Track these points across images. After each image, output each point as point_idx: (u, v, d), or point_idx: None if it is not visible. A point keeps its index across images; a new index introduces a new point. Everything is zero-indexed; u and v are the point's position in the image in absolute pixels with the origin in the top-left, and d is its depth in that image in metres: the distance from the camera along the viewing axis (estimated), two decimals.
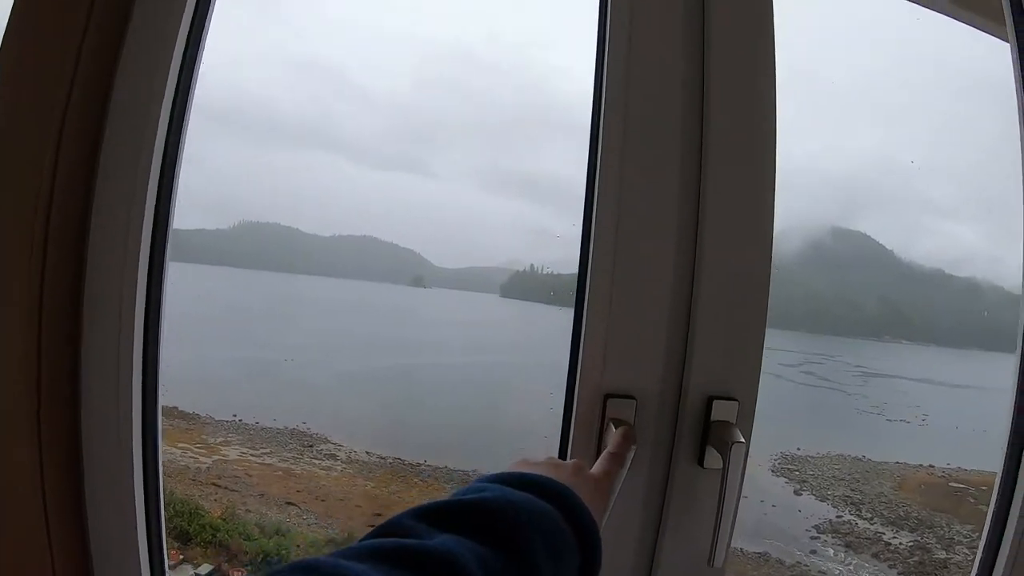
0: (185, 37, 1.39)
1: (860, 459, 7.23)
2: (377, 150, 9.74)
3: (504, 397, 8.47)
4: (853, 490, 6.98)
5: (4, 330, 1.25)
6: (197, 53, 1.43)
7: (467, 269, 9.26)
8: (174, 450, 7.14)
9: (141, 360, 1.39)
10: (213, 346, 8.72)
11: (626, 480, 1.08)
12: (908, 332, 7.75)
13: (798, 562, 6.06)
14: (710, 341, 1.23)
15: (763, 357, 1.25)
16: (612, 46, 1.26)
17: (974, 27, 1.82)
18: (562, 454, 1.29)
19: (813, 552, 6.19)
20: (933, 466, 7.12)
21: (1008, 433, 1.54)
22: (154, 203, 1.39)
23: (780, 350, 7.43)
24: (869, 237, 7.78)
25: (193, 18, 1.40)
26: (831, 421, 7.67)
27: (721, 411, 1.22)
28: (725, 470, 1.13)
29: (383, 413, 8.20)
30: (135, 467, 1.38)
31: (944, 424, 7.65)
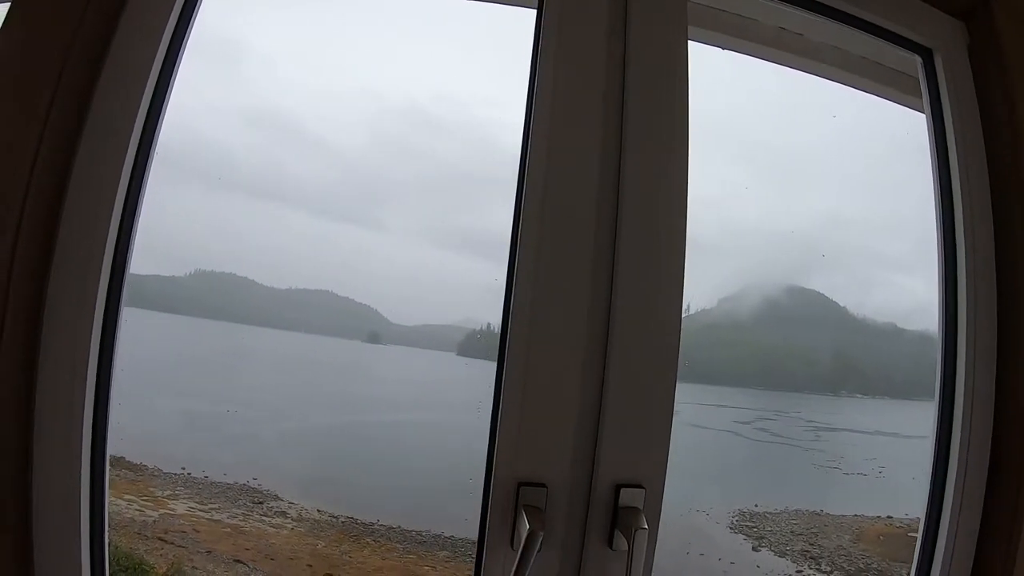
0: (153, 85, 1.53)
1: (818, 513, 7.31)
2: (333, 204, 9.79)
3: (459, 456, 8.47)
4: (812, 544, 7.06)
5: None
6: (163, 102, 1.57)
7: (424, 326, 9.25)
8: (120, 502, 7.03)
9: (92, 407, 1.51)
10: (163, 396, 8.61)
11: (540, 561, 1.17)
12: (862, 385, 7.91)
13: None
14: (618, 431, 1.34)
15: (670, 444, 1.37)
16: (536, 118, 1.41)
17: (898, 103, 1.99)
18: (480, 537, 1.38)
19: None
20: (891, 517, 7.22)
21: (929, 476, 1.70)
22: (113, 249, 1.50)
23: (735, 407, 7.56)
24: (822, 294, 7.97)
25: (162, 67, 1.55)
26: (788, 476, 7.77)
27: (628, 498, 1.32)
28: (630, 554, 1.23)
29: (336, 471, 8.14)
30: (82, 519, 1.46)
31: (901, 475, 7.78)
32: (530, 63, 1.49)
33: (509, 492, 1.33)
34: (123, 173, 1.49)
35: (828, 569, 6.80)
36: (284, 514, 7.28)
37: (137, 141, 1.52)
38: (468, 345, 8.96)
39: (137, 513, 6.98)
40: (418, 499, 7.71)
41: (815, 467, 7.63)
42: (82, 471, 1.46)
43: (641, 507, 1.33)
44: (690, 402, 7.34)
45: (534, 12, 1.61)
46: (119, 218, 1.51)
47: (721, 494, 6.72)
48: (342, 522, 7.20)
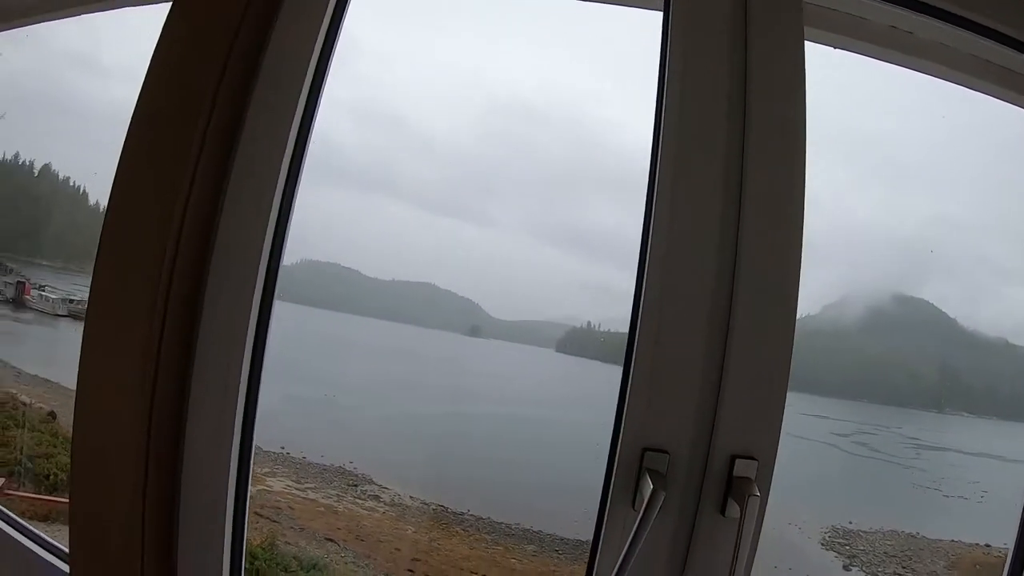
0: (309, 84, 1.66)
1: (914, 535, 7.11)
2: (438, 198, 9.96)
3: (552, 452, 8.51)
4: (904, 567, 6.88)
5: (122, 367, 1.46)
6: (315, 107, 1.70)
7: (524, 322, 9.40)
8: None
9: (244, 396, 1.66)
10: (267, 378, 8.91)
11: (657, 524, 1.31)
12: (968, 403, 7.62)
13: None
14: (736, 405, 1.44)
15: (783, 420, 1.48)
16: (666, 124, 1.51)
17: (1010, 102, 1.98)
18: (603, 498, 1.51)
19: None
20: (990, 545, 6.97)
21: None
22: (269, 247, 1.65)
23: (834, 419, 7.40)
24: (931, 304, 7.72)
25: (316, 67, 1.68)
26: (885, 495, 7.55)
27: (742, 468, 1.43)
28: (742, 520, 1.33)
29: (431, 459, 8.27)
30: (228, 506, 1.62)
31: (1003, 501, 7.46)
32: (658, 67, 1.58)
33: (634, 456, 1.45)
34: (281, 173, 1.64)
35: None
36: (377, 498, 7.47)
37: (294, 142, 1.66)
38: (567, 342, 9.01)
39: None
40: (510, 493, 7.80)
41: (914, 487, 7.41)
42: (231, 464, 1.62)
43: (753, 478, 1.42)
44: (788, 410, 7.14)
45: (640, 11, 1.70)
46: (276, 216, 1.65)
47: (815, 508, 6.61)
48: (433, 510, 7.35)
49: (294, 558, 6.46)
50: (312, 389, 8.69)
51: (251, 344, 1.65)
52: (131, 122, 1.53)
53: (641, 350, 1.46)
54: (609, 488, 1.48)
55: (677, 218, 1.47)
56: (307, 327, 9.51)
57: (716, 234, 1.47)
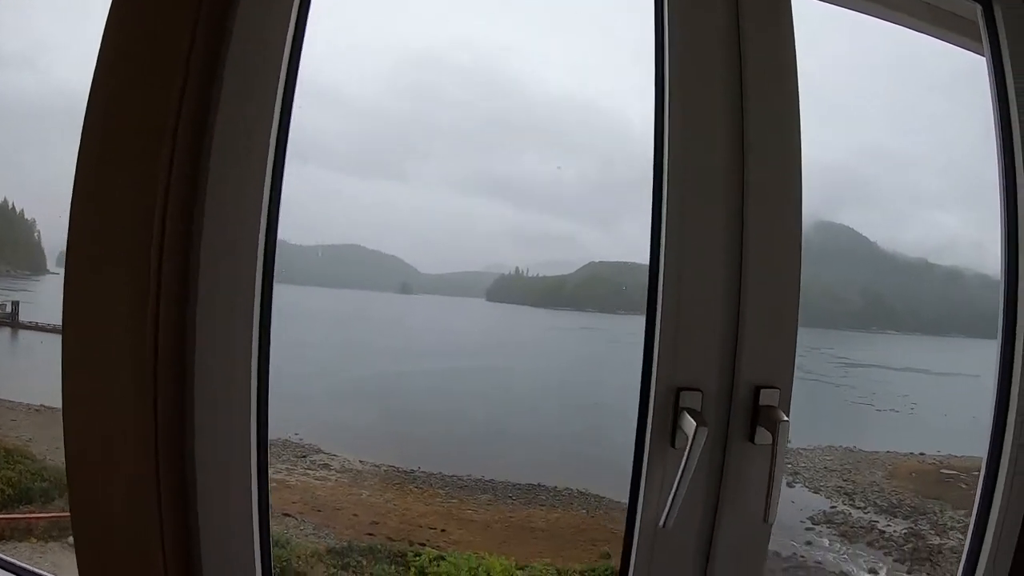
0: (287, 61, 1.60)
1: (851, 449, 7.44)
2: (355, 158, 9.82)
3: (494, 401, 8.58)
4: (845, 480, 7.19)
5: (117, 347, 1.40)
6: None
7: (452, 274, 9.39)
8: None
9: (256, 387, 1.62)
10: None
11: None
12: (893, 322, 7.95)
13: (794, 553, 6.24)
14: (755, 339, 1.53)
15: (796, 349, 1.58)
16: (671, 86, 1.56)
17: (950, 43, 2.05)
18: (639, 441, 1.58)
19: (809, 543, 6.38)
20: (924, 454, 7.34)
21: (992, 418, 1.81)
22: (265, 229, 1.58)
23: None
24: (852, 229, 7.98)
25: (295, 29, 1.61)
26: (821, 413, 7.86)
27: (766, 397, 1.52)
28: (775, 444, 1.45)
29: (375, 421, 8.28)
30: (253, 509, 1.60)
31: (933, 412, 7.86)
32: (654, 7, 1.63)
33: (669, 398, 1.53)
34: (266, 150, 1.57)
35: (862, 505, 6.94)
36: (327, 466, 7.46)
37: (278, 117, 1.59)
38: (496, 290, 9.06)
39: None
40: (458, 445, 7.87)
41: (847, 403, 7.73)
42: (251, 460, 1.59)
43: (776, 405, 1.53)
44: None
45: None
46: (268, 195, 1.57)
47: None
48: (384, 471, 7.39)
49: None
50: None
51: (257, 332, 1.59)
52: (88, 112, 1.43)
53: (667, 295, 1.53)
54: (646, 430, 1.55)
55: (689, 169, 1.54)
56: None
57: (722, 176, 1.53)
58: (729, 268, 1.53)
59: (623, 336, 8.16)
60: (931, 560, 6.38)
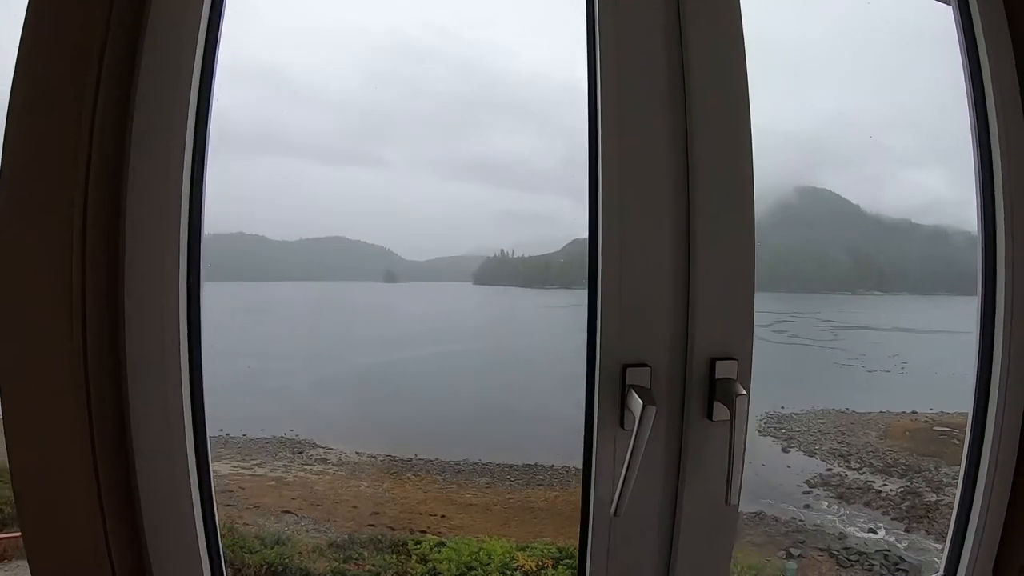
0: (202, 50, 1.51)
1: (844, 411, 7.44)
2: (332, 149, 9.77)
3: (486, 384, 8.59)
4: (840, 442, 7.20)
5: (49, 363, 1.35)
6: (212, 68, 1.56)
7: (437, 260, 9.30)
8: None
9: (188, 380, 1.56)
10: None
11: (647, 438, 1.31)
12: (879, 283, 7.94)
13: (793, 518, 6.24)
14: (708, 308, 1.44)
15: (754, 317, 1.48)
16: (602, 39, 1.46)
17: None
18: (588, 422, 1.49)
19: (807, 507, 6.39)
20: (916, 412, 7.35)
21: (975, 372, 1.79)
22: (187, 225, 1.50)
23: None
24: (834, 193, 7.97)
25: (209, 21, 1.53)
26: (812, 377, 7.87)
27: (723, 370, 1.43)
28: (733, 419, 1.35)
29: (369, 412, 8.27)
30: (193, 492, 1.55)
31: (923, 370, 7.88)
32: None
33: (615, 375, 1.42)
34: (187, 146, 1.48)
35: (857, 466, 6.95)
36: (324, 460, 7.45)
37: (195, 113, 1.50)
38: (483, 273, 9.05)
39: None
40: (452, 430, 7.87)
41: (838, 366, 7.73)
42: (188, 451, 1.53)
43: (735, 377, 1.44)
44: None
45: None
46: (188, 186, 1.49)
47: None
48: (381, 461, 7.38)
49: (256, 538, 6.41)
50: (238, 364, 8.54)
51: (185, 324, 1.52)
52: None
53: (606, 268, 1.43)
54: (593, 412, 1.46)
55: (625, 135, 1.43)
56: (221, 303, 9.26)
57: (668, 138, 1.45)
58: (676, 232, 1.43)
59: None
60: (928, 517, 6.39)
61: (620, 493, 1.32)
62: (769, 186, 7.18)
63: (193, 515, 1.54)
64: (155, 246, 1.45)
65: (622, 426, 1.44)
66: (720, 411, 1.43)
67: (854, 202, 7.88)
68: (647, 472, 1.45)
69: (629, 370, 1.42)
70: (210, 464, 1.63)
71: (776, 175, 7.26)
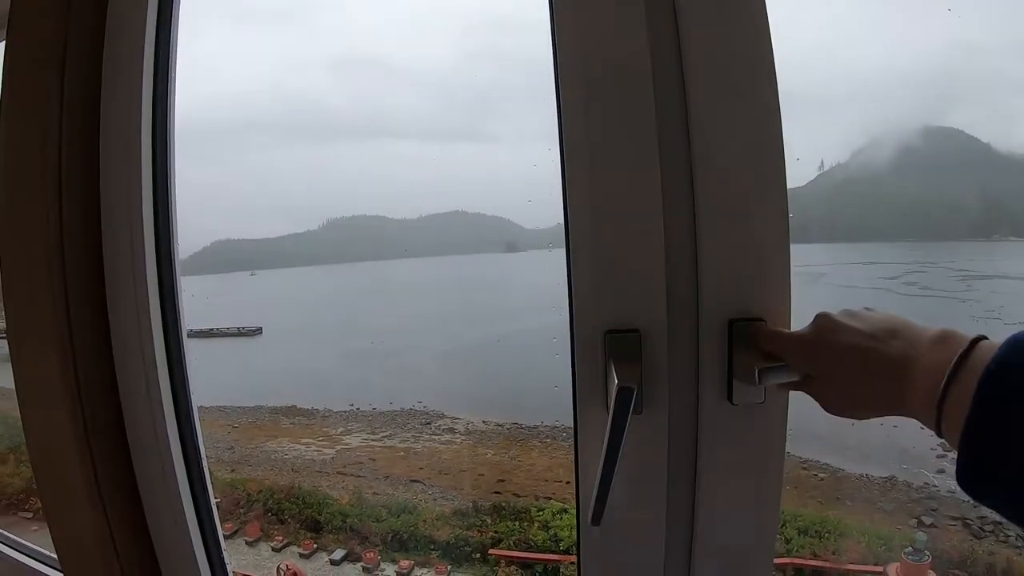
0: (153, 55, 1.46)
1: None
2: (441, 126, 9.93)
3: None
4: None
5: (44, 366, 1.43)
6: (168, 71, 1.50)
7: (558, 226, 9.22)
8: (298, 446, 7.53)
9: (166, 361, 1.52)
10: (320, 343, 9.15)
11: (648, 423, 1.07)
12: (1015, 227, 7.35)
13: (926, 483, 5.91)
14: (721, 256, 1.06)
15: (791, 264, 1.06)
16: None
17: None
18: (574, 402, 1.14)
19: (941, 471, 6.07)
20: None
21: None
22: (152, 227, 1.48)
23: (881, 263, 7.28)
24: (962, 131, 7.43)
25: (157, 30, 1.47)
26: None
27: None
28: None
29: (494, 381, 8.33)
30: (176, 462, 1.53)
31: None
32: None
33: (595, 344, 1.08)
34: (143, 153, 1.45)
35: None
36: (452, 430, 7.58)
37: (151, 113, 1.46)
38: None
39: (316, 454, 7.45)
40: None
41: (973, 319, 7.25)
42: (168, 423, 1.51)
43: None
44: (834, 263, 7.06)
45: None
46: (151, 196, 1.47)
47: None
48: (507, 429, 7.43)
49: (383, 507, 6.65)
50: (366, 342, 8.84)
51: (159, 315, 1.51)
52: None
53: (575, 213, 1.09)
54: (575, 391, 1.12)
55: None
56: (347, 283, 9.60)
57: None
58: (671, 153, 1.06)
59: None
60: None
61: (596, 498, 0.95)
62: (891, 130, 6.79)
63: (176, 474, 1.54)
64: (125, 239, 1.46)
65: (607, 408, 1.04)
66: (744, 392, 1.06)
67: (984, 140, 7.32)
68: (646, 470, 1.12)
69: (610, 337, 1.07)
70: (200, 441, 1.61)
71: (898, 117, 6.86)
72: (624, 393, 0.91)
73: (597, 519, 0.97)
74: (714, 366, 1.08)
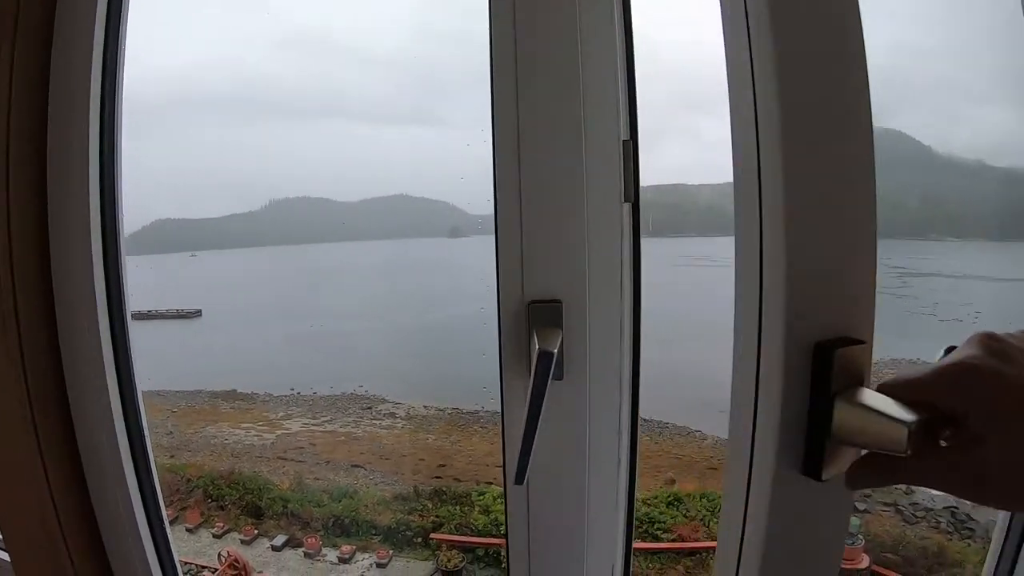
0: (103, 34, 1.42)
1: (915, 362, 7.19)
2: (390, 108, 9.82)
3: None
4: None
5: None
6: (118, 48, 1.46)
7: None
8: (238, 431, 7.46)
9: (112, 350, 1.49)
10: (260, 327, 9.02)
11: (568, 392, 1.12)
12: (952, 228, 7.58)
13: None
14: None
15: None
16: None
17: None
18: (500, 366, 1.18)
19: None
20: None
21: None
22: (99, 205, 1.45)
23: None
24: (904, 133, 7.61)
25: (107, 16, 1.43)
26: (882, 325, 7.60)
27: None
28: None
29: (436, 366, 8.34)
30: (123, 452, 1.50)
31: (998, 320, 7.51)
32: None
33: (520, 315, 1.11)
34: (91, 128, 1.41)
35: None
36: (393, 415, 7.58)
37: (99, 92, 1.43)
38: None
39: (256, 439, 7.37)
40: None
41: (909, 314, 7.45)
42: (113, 409, 1.48)
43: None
44: None
45: None
46: (98, 174, 1.44)
47: None
48: (448, 414, 7.50)
49: (324, 492, 6.66)
50: (306, 325, 8.75)
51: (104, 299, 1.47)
52: None
53: (502, 172, 1.12)
54: (502, 362, 1.15)
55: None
56: (289, 266, 9.48)
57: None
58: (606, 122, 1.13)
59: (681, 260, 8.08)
60: None
61: (520, 456, 0.97)
62: None
63: (121, 456, 1.51)
64: (73, 215, 1.43)
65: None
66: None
67: (925, 143, 7.49)
68: (561, 435, 1.15)
69: (534, 307, 1.10)
70: (144, 426, 1.58)
71: None
72: (545, 357, 0.94)
73: (521, 478, 1.00)
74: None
